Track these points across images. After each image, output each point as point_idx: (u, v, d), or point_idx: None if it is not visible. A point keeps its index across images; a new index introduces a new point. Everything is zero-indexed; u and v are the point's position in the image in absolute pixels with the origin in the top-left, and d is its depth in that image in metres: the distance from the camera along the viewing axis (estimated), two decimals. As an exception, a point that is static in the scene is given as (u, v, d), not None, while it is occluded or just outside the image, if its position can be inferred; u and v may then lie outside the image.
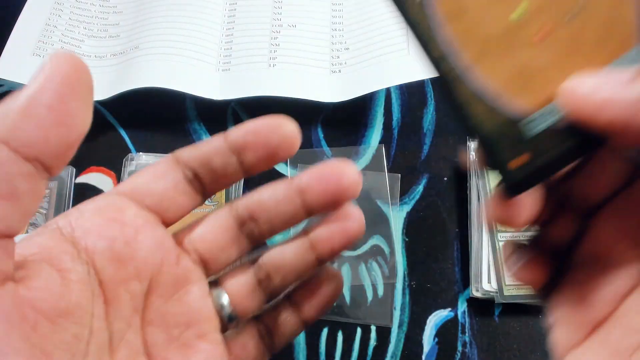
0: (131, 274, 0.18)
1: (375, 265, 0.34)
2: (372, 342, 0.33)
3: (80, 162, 0.38)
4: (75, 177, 0.38)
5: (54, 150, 0.14)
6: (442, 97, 0.15)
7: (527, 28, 0.16)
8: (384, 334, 0.33)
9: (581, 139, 0.15)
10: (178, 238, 0.20)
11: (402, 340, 0.32)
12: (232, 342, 0.21)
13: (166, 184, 0.19)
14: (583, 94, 0.14)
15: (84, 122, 0.15)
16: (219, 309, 0.20)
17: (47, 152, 0.14)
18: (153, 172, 0.20)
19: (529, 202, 0.17)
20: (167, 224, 0.20)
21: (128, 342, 0.18)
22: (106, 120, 0.40)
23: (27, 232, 0.35)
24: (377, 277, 0.34)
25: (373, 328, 0.33)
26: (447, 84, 0.16)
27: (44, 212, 0.36)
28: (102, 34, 0.42)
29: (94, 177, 0.38)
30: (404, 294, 0.34)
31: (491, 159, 0.16)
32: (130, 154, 0.38)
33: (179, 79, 0.38)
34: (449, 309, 0.33)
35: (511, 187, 0.16)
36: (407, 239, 0.35)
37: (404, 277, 0.34)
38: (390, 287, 0.34)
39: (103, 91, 0.38)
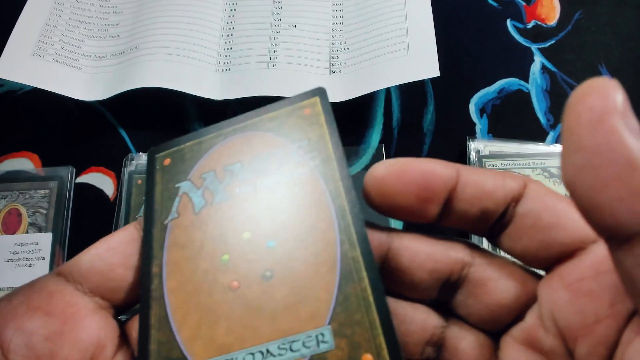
0: None
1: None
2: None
3: (80, 162, 0.38)
4: (75, 177, 0.38)
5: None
6: (140, 314, 0.17)
7: (229, 273, 0.16)
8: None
9: None
10: (129, 326, 0.18)
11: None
12: None
13: (115, 259, 0.17)
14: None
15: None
16: None
17: None
18: (106, 243, 0.18)
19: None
20: (120, 307, 0.18)
21: None
22: (106, 120, 0.40)
23: (26, 232, 0.35)
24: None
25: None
26: (148, 299, 0.17)
27: (44, 212, 0.36)
28: (102, 34, 0.42)
29: (94, 177, 0.38)
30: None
31: None
32: (130, 154, 0.38)
33: (179, 79, 0.38)
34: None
35: None
36: (407, 239, 0.35)
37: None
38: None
39: (103, 91, 0.38)
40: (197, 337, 0.15)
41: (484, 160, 0.36)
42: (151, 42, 0.39)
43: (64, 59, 0.39)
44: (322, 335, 0.14)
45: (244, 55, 0.40)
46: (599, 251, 0.15)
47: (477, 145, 0.37)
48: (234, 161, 0.18)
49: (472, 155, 0.36)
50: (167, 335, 0.16)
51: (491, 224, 0.16)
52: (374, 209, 0.17)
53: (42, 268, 0.34)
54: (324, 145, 0.18)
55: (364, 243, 0.15)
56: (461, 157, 0.38)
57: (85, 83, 0.39)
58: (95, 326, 0.16)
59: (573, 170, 0.11)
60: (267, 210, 0.17)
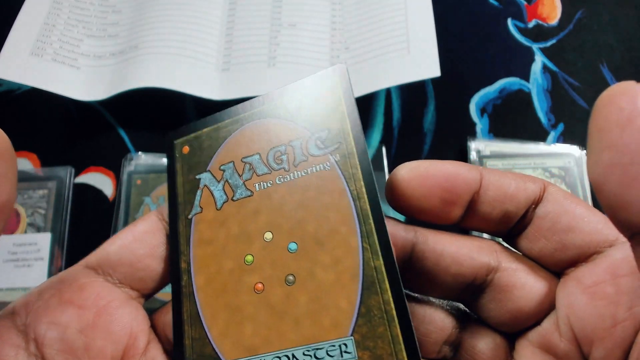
0: None
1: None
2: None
3: (80, 162, 0.38)
4: (75, 177, 0.38)
5: None
6: (174, 307, 0.17)
7: (253, 274, 0.16)
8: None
9: None
10: (157, 318, 0.18)
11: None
12: None
13: (142, 250, 0.17)
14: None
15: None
16: None
17: None
18: (131, 234, 0.18)
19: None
20: (147, 296, 0.18)
21: None
22: (105, 120, 0.40)
23: (25, 232, 0.35)
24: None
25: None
26: (179, 295, 0.17)
27: (43, 212, 0.35)
28: (101, 33, 0.41)
29: (93, 177, 0.38)
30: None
31: None
32: (129, 154, 0.37)
33: (179, 79, 0.38)
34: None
35: None
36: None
37: (404, 278, 0.34)
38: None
39: (102, 91, 0.38)
40: (226, 335, 0.16)
41: (484, 160, 0.36)
42: (150, 41, 0.39)
43: (62, 59, 0.39)
44: (345, 345, 0.14)
45: (243, 54, 0.40)
46: (616, 255, 0.15)
47: (477, 145, 0.37)
48: (252, 152, 0.18)
49: (473, 155, 0.36)
50: (199, 332, 0.16)
51: (511, 226, 0.17)
52: (396, 211, 0.17)
53: (40, 268, 0.34)
54: (345, 138, 0.17)
55: (387, 252, 0.15)
56: (461, 157, 0.37)
57: (84, 83, 0.38)
58: (127, 317, 0.17)
59: (601, 168, 0.11)
60: (287, 209, 0.17)
